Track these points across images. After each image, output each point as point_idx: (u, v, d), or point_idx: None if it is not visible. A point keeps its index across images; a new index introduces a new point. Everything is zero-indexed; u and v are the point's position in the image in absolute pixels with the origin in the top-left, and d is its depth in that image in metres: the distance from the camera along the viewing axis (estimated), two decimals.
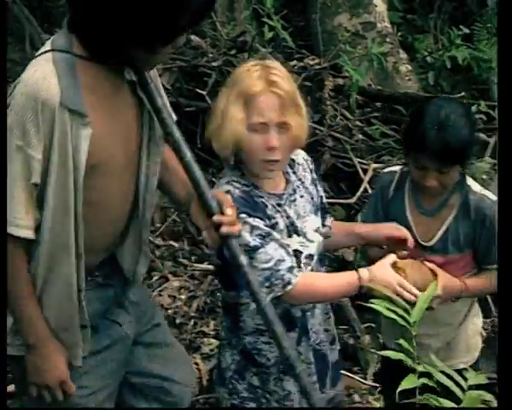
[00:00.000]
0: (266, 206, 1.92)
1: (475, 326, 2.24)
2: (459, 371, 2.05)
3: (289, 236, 1.95)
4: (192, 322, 3.21)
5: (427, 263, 2.04)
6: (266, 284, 1.86)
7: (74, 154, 1.61)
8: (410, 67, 4.34)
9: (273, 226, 1.92)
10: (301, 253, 1.96)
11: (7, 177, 1.62)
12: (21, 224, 1.64)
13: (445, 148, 1.97)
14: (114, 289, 1.91)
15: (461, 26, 4.87)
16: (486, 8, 5.42)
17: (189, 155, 1.71)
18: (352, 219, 3.68)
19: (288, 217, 1.95)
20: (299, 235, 1.95)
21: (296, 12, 5.21)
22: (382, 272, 1.91)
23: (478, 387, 1.73)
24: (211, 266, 3.34)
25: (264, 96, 1.84)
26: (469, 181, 2.15)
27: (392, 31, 4.36)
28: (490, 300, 3.01)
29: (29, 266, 1.72)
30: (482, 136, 3.88)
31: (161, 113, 1.73)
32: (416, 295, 1.85)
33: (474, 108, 3.74)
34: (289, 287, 1.87)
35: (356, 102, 3.96)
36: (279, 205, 1.94)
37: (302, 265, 1.96)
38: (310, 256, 1.98)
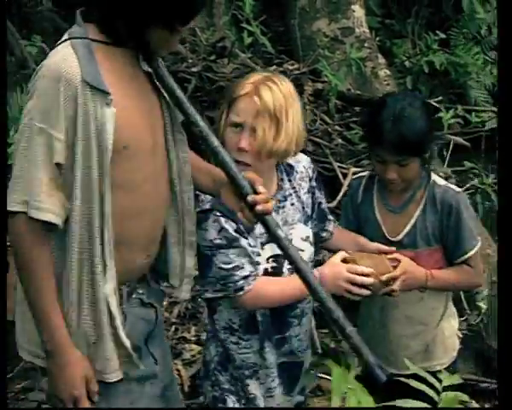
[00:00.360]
0: None
1: (452, 327, 2.27)
2: (436, 373, 2.09)
3: (269, 241, 1.96)
4: (173, 328, 3.20)
5: (387, 254, 2.09)
6: (220, 283, 1.93)
7: (99, 134, 1.59)
8: (388, 72, 4.37)
9: (248, 230, 1.94)
10: (284, 259, 1.98)
11: (23, 162, 1.56)
12: (43, 207, 1.57)
13: (401, 139, 2.03)
14: (156, 312, 1.83)
15: (437, 32, 4.91)
16: (462, 14, 5.49)
17: (216, 142, 1.72)
18: None
19: None
20: (251, 231, 1.97)
21: (275, 17, 5.23)
22: (331, 269, 1.96)
23: (454, 388, 1.76)
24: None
25: (246, 99, 1.91)
26: (434, 176, 2.20)
27: (370, 36, 4.39)
28: (463, 298, 3.04)
29: (57, 260, 1.62)
30: (459, 139, 3.92)
31: (184, 103, 1.73)
32: (368, 275, 1.91)
33: (451, 112, 3.77)
34: (240, 293, 1.93)
35: (335, 107, 3.99)
36: None
37: (285, 269, 2.00)
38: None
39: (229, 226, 1.92)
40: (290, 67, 4.08)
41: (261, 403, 2.03)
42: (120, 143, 1.61)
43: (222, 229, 1.92)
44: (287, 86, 1.97)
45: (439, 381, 1.68)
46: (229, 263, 1.92)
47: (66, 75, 1.57)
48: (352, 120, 4.00)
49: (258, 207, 1.68)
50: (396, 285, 2.03)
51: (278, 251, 1.92)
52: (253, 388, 2.02)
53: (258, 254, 1.98)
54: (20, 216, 1.59)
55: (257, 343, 2.00)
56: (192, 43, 4.28)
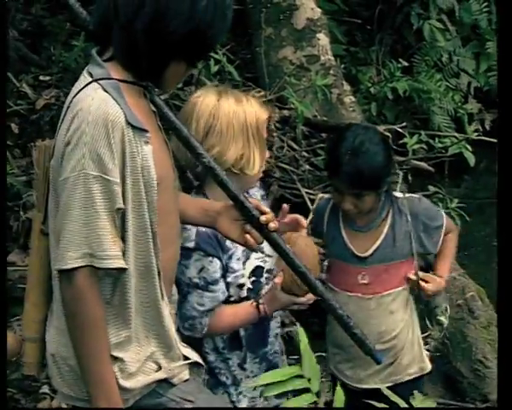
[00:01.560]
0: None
1: (417, 337, 2.30)
2: (405, 383, 2.13)
3: (248, 257, 2.05)
4: None
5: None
6: (188, 322, 1.99)
7: (144, 172, 1.61)
8: (353, 99, 4.44)
9: (231, 256, 2.01)
10: (263, 268, 2.08)
11: (81, 214, 1.55)
12: (111, 254, 1.56)
13: (358, 173, 2.07)
14: None
15: (400, 59, 5.02)
16: (424, 42, 5.63)
17: (222, 174, 1.76)
18: None
19: None
20: (256, 251, 2.03)
21: (243, 45, 5.30)
22: (273, 302, 2.02)
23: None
24: None
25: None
26: (396, 193, 2.29)
27: (335, 63, 4.45)
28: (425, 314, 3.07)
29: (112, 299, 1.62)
30: (423, 164, 3.99)
31: (190, 137, 1.75)
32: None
33: (415, 138, 3.84)
34: (204, 331, 2.00)
35: (302, 133, 4.03)
36: None
37: (263, 280, 2.08)
38: (270, 271, 2.10)
39: (212, 266, 1.97)
40: (257, 95, 4.09)
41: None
42: (157, 180, 1.65)
43: (202, 269, 1.97)
44: (231, 105, 2.04)
45: (410, 393, 1.70)
46: (201, 305, 1.98)
47: (112, 119, 1.57)
48: (319, 146, 4.05)
49: (272, 225, 1.74)
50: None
51: (256, 264, 2.05)
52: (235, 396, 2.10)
53: (243, 276, 2.04)
54: (81, 271, 1.57)
55: (240, 358, 2.08)
56: None
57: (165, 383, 1.70)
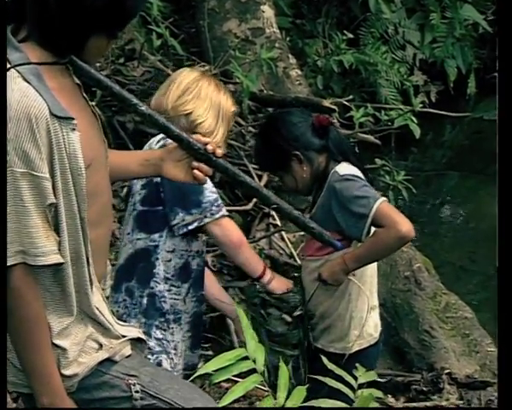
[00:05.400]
0: None
1: (350, 318, 2.27)
2: (334, 354, 2.17)
3: None
4: None
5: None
6: (215, 204, 2.12)
7: (72, 161, 1.57)
8: (299, 72, 4.40)
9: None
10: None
11: (13, 213, 1.51)
12: (47, 251, 1.53)
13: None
14: None
15: (345, 31, 4.99)
16: (369, 14, 5.62)
17: (161, 118, 1.77)
18: (250, 226, 3.69)
19: None
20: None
21: (187, 18, 5.18)
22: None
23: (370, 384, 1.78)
24: None
25: None
26: (338, 167, 2.20)
27: (280, 36, 4.40)
28: None
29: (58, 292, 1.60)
30: (370, 137, 3.99)
31: (122, 92, 1.73)
32: None
33: (361, 111, 3.83)
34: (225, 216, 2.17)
35: (248, 108, 3.98)
36: None
37: None
38: None
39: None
40: (201, 69, 4.03)
41: (179, 350, 2.19)
42: (86, 163, 1.60)
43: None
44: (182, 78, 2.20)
45: (355, 378, 1.70)
46: (214, 191, 2.13)
47: (35, 112, 1.51)
48: (264, 120, 4.00)
49: (219, 151, 1.78)
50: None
51: None
52: (176, 332, 2.18)
53: None
54: (15, 269, 1.54)
55: (185, 290, 2.18)
56: None
57: (107, 361, 1.68)
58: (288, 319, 2.26)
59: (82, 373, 1.64)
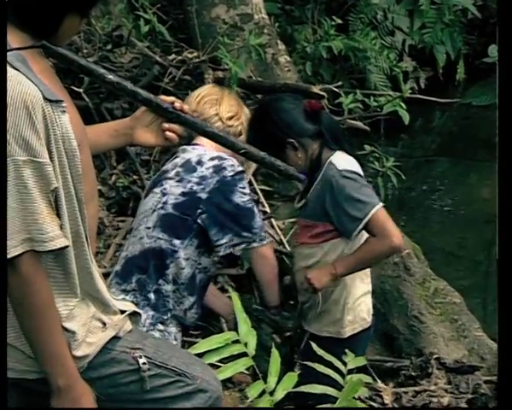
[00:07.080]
0: None
1: (344, 304, 2.28)
2: (325, 339, 2.18)
3: None
4: None
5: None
6: (263, 231, 2.31)
7: (66, 142, 1.58)
8: (288, 58, 4.38)
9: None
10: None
11: (17, 201, 1.52)
12: (54, 235, 1.55)
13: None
14: None
15: (334, 17, 4.97)
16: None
17: (130, 85, 1.82)
18: None
19: None
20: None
21: (175, 4, 5.14)
22: None
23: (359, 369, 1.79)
24: None
25: None
26: (335, 159, 2.20)
27: (269, 22, 4.38)
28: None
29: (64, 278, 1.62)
30: (359, 124, 3.99)
31: (90, 66, 1.79)
32: None
33: (350, 97, 3.82)
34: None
35: (237, 95, 3.96)
36: None
37: None
38: None
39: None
40: (189, 56, 4.01)
41: (179, 340, 2.31)
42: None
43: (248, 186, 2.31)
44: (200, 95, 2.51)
45: (344, 364, 1.71)
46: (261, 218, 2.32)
47: (31, 98, 1.52)
48: (255, 107, 3.98)
49: (185, 107, 1.84)
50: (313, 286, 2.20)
51: None
52: (175, 325, 2.30)
53: None
54: (23, 258, 1.54)
55: (189, 303, 2.29)
56: (87, 32, 4.13)
57: (113, 338, 1.73)
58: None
59: (93, 353, 1.68)
